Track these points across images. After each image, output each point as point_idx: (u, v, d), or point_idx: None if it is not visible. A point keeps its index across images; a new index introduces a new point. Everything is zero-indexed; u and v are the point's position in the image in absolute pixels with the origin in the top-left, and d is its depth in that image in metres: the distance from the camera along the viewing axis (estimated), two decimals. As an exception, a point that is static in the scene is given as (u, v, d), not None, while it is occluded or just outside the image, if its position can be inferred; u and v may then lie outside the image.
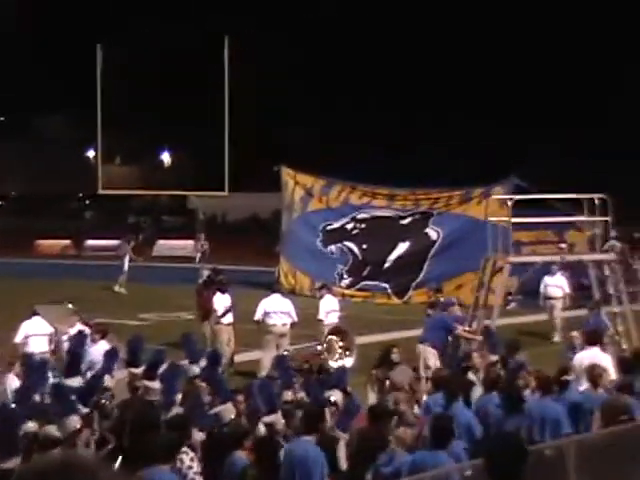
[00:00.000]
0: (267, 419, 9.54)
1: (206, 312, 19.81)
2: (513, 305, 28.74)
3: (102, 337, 14.53)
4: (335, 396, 10.21)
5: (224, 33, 37.57)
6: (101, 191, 42.46)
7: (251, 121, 57.91)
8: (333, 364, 13.33)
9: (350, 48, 65.43)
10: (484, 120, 59.66)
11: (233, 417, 9.92)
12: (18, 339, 15.91)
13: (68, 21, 65.87)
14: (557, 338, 20.60)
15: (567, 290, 23.45)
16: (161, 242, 48.23)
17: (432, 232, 30.19)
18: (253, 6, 65.86)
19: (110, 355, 11.94)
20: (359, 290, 30.41)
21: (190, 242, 46.50)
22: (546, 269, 29.28)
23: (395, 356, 12.81)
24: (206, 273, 21.98)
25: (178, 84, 38.80)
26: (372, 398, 11.97)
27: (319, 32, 65.85)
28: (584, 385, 11.69)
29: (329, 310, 19.10)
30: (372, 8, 66.16)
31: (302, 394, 10.54)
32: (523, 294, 29.30)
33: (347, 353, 13.74)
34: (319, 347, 14.60)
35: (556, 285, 23.55)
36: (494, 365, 12.23)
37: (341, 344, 13.89)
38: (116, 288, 32.30)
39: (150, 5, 62.47)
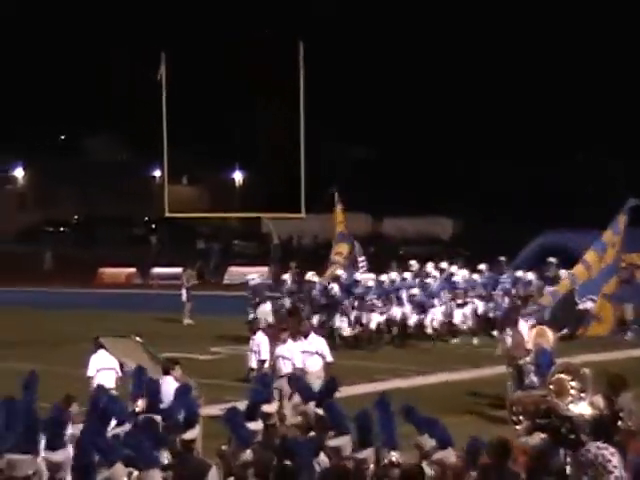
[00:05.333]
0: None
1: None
2: (630, 335, 27.83)
3: (167, 373, 14.48)
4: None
5: (298, 39, 37.65)
6: (168, 214, 42.45)
7: (328, 136, 57.87)
8: (573, 407, 12.61)
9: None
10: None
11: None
12: (91, 373, 16.14)
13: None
14: None
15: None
16: (233, 269, 48.33)
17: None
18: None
19: (182, 392, 11.62)
20: None
21: (264, 269, 46.54)
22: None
23: None
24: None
25: (249, 95, 38.70)
26: None
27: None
28: None
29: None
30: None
31: None
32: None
33: (582, 395, 12.97)
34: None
35: None
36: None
37: (573, 384, 12.97)
38: (185, 322, 32.64)
39: (218, 12, 63.06)
